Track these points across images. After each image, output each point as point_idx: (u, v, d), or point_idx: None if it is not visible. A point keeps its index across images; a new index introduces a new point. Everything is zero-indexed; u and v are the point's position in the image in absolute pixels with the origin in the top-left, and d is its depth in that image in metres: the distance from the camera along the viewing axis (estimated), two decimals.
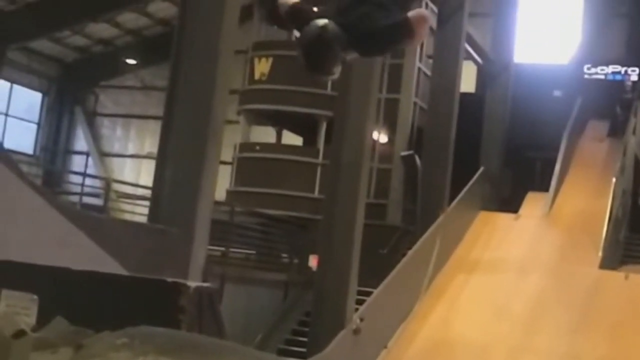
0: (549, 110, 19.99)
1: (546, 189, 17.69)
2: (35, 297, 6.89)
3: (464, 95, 19.14)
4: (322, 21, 4.13)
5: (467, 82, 20.73)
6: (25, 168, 13.34)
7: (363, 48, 4.26)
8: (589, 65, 21.47)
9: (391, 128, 19.71)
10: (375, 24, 4.16)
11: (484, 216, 17.45)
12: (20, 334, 6.04)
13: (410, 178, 18.76)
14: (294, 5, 4.29)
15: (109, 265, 8.79)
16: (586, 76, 21.41)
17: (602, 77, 21.49)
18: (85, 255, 8.60)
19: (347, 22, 4.17)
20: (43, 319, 6.57)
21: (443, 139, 17.75)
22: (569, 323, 12.70)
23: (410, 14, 4.13)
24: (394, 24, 4.14)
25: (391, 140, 19.86)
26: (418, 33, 4.12)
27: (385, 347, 12.49)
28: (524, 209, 17.73)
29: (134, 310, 6.04)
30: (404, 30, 4.14)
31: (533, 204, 17.78)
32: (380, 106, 17.89)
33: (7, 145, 17.25)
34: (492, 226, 17.02)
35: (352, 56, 4.27)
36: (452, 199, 16.88)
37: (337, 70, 4.18)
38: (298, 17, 4.28)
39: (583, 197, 17.40)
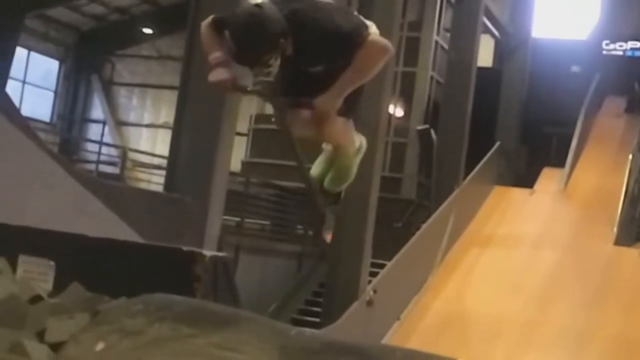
0: (566, 85, 19.88)
1: (562, 165, 17.62)
2: (52, 263, 6.93)
3: (481, 69, 19.03)
4: (255, 5, 3.74)
5: (485, 56, 20.61)
6: (42, 135, 13.39)
7: (303, 46, 3.80)
8: (607, 41, 21.28)
9: (407, 102, 19.66)
10: (325, 26, 3.77)
11: (498, 191, 17.42)
12: (36, 299, 6.09)
13: (425, 152, 18.72)
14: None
15: (125, 233, 8.84)
16: (604, 52, 21.23)
17: (621, 53, 21.30)
18: (101, 223, 8.65)
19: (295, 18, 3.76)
20: (59, 285, 6.62)
21: (459, 113, 17.68)
22: (583, 299, 12.70)
23: (374, 38, 3.81)
24: (347, 34, 3.78)
25: (407, 114, 19.81)
26: (368, 58, 3.77)
27: (398, 319, 12.54)
28: (540, 185, 17.68)
29: (150, 277, 6.07)
30: (354, 47, 3.77)
31: (549, 179, 17.73)
32: (396, 79, 17.82)
33: (24, 112, 17.27)
34: (507, 201, 17.00)
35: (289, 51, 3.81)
36: (467, 173, 16.85)
37: (274, 64, 3.73)
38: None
39: (599, 173, 17.33)
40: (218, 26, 3.92)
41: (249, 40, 3.60)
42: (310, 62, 3.84)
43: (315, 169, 4.53)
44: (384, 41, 3.83)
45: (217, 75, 3.83)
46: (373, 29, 4.04)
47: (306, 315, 13.73)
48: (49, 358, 4.83)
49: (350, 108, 4.16)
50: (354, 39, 3.77)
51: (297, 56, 3.80)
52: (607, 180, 16.84)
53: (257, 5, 3.67)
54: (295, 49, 3.77)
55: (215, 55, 3.87)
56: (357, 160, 4.57)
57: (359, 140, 4.54)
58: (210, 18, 4.01)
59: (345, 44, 3.76)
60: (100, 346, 3.90)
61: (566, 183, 17.12)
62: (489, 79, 19.72)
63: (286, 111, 3.91)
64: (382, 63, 3.84)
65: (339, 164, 4.46)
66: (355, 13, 4.20)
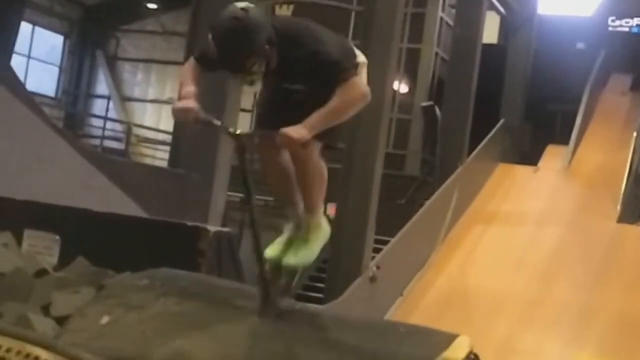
0: (571, 62, 19.79)
1: (566, 142, 17.59)
2: (57, 237, 6.99)
3: (486, 46, 18.95)
4: (244, 3, 3.66)
5: (490, 33, 20.52)
6: (47, 110, 13.39)
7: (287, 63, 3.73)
8: (613, 18, 21.17)
9: (412, 78, 19.62)
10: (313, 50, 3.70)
11: (502, 168, 17.42)
12: (42, 273, 6.15)
13: (429, 129, 18.71)
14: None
15: (130, 208, 8.88)
16: (610, 29, 21.12)
17: (627, 29, 21.19)
18: (106, 198, 8.70)
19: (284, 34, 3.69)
20: (65, 259, 6.68)
21: (464, 90, 17.64)
22: (585, 276, 12.72)
23: (356, 81, 3.75)
24: (333, 63, 3.72)
25: (411, 90, 19.77)
26: (345, 100, 3.68)
27: (401, 295, 12.58)
28: (544, 162, 17.67)
29: (154, 252, 6.13)
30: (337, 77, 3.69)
31: (553, 157, 17.72)
32: (401, 56, 17.78)
33: (29, 87, 17.28)
34: (511, 179, 17.00)
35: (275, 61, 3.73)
36: (471, 150, 16.85)
37: (259, 71, 3.65)
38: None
39: (603, 151, 17.30)
40: (201, 63, 3.96)
41: (232, 43, 3.53)
42: (292, 79, 3.79)
43: (272, 251, 4.25)
44: (364, 88, 3.79)
45: (182, 104, 3.79)
46: (362, 58, 4.08)
47: (310, 291, 13.78)
48: (54, 331, 4.89)
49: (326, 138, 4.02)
50: (338, 72, 3.71)
51: (280, 71, 3.76)
52: (612, 158, 16.83)
53: (243, 9, 3.58)
54: (280, 64, 3.72)
55: (187, 89, 3.88)
56: (319, 241, 4.29)
57: (325, 223, 4.33)
58: (192, 58, 4.04)
59: (328, 72, 3.69)
60: (105, 319, 3.95)
61: (570, 160, 17.11)
62: (494, 55, 19.65)
63: (247, 144, 3.80)
64: (356, 108, 3.76)
65: (299, 240, 4.22)
66: (350, 45, 4.15)
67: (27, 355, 2.66)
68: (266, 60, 3.64)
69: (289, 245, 4.23)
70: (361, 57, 4.11)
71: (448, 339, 4.06)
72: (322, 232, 4.25)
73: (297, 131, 3.56)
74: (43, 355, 2.68)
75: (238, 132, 3.80)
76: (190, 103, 3.80)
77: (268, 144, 3.97)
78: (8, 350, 2.66)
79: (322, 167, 4.08)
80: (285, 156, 4.05)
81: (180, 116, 3.82)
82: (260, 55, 3.58)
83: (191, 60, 4.04)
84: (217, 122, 3.82)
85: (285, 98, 3.91)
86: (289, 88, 3.83)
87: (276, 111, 3.96)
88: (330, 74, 3.69)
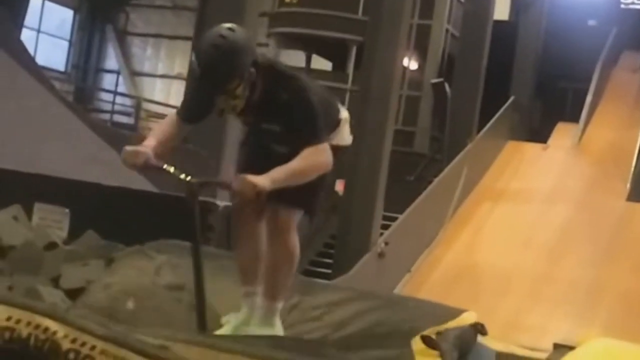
0: (582, 40, 19.67)
1: (576, 120, 17.54)
2: (67, 210, 7.04)
3: (497, 23, 18.87)
4: (225, 28, 3.53)
5: (501, 9, 20.41)
6: (56, 85, 13.43)
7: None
8: None
9: (422, 55, 19.55)
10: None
11: (512, 146, 17.39)
12: (52, 246, 6.19)
13: (439, 106, 18.67)
14: None
15: (139, 183, 8.89)
16: (622, 6, 20.99)
17: (639, 7, 21.07)
18: (115, 172, 8.70)
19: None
20: (74, 233, 6.73)
21: (474, 67, 17.59)
22: (594, 254, 12.74)
23: (324, 147, 3.58)
24: (311, 117, 3.59)
25: (421, 67, 19.72)
26: (309, 163, 3.53)
27: (409, 271, 12.63)
28: (553, 140, 17.63)
29: (163, 226, 6.15)
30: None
31: (562, 134, 17.67)
32: (411, 32, 17.71)
33: (39, 61, 17.28)
34: (520, 156, 16.98)
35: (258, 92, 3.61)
36: (480, 128, 16.82)
37: (242, 94, 3.52)
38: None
39: (614, 129, 17.25)
40: (182, 116, 3.81)
41: (216, 62, 3.43)
42: (270, 119, 3.67)
43: (226, 328, 3.87)
44: (328, 158, 3.63)
45: (134, 147, 3.64)
46: (344, 114, 3.98)
47: (317, 266, 13.84)
48: (64, 303, 4.93)
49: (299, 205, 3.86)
50: (311, 133, 3.58)
51: (261, 108, 3.66)
52: (621, 136, 16.78)
53: (230, 28, 3.51)
54: (262, 100, 3.63)
55: (149, 140, 3.71)
56: (273, 323, 3.86)
57: (279, 323, 3.88)
58: (173, 113, 3.89)
59: (303, 126, 3.59)
60: (131, 305, 3.97)
61: (580, 138, 17.07)
62: (505, 32, 19.55)
63: (198, 194, 3.62)
64: (315, 175, 3.61)
65: (255, 319, 3.85)
66: (335, 102, 4.06)
67: (37, 327, 2.66)
68: (250, 85, 3.53)
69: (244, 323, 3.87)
70: (344, 114, 4.02)
71: (455, 312, 4.11)
72: (272, 331, 3.83)
73: (257, 179, 3.42)
74: (53, 327, 2.68)
75: (189, 179, 3.60)
76: (142, 148, 3.64)
77: (247, 212, 3.81)
78: (18, 321, 2.66)
79: (294, 248, 3.87)
80: (262, 229, 3.86)
81: (129, 158, 3.64)
82: (244, 77, 3.48)
83: (171, 115, 3.88)
84: (169, 168, 3.64)
85: (262, 144, 3.79)
86: (266, 129, 3.70)
87: (254, 159, 3.84)
88: (304, 129, 3.58)
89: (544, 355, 4.97)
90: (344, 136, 4.02)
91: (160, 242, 4.74)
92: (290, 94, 3.60)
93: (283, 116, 3.60)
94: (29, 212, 6.75)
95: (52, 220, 6.81)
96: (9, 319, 2.65)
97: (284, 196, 3.63)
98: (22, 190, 6.90)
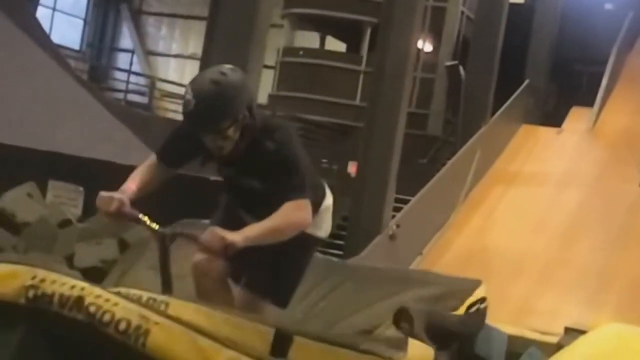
0: (598, 23, 19.55)
1: (591, 104, 17.45)
2: (81, 188, 7.08)
3: (513, 5, 18.78)
4: (227, 67, 3.45)
5: None
6: (71, 63, 13.46)
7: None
8: None
9: (436, 37, 19.48)
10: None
11: (526, 129, 17.33)
12: (66, 223, 6.24)
13: (453, 89, 18.62)
14: None
15: None
16: None
17: None
18: (129, 151, 8.75)
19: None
20: (88, 211, 6.77)
21: (489, 50, 17.52)
22: (605, 239, 12.71)
23: (304, 204, 3.39)
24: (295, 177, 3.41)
25: (436, 49, 19.65)
26: (286, 222, 3.34)
27: (421, 253, 12.64)
28: (567, 124, 17.56)
29: (177, 206, 6.18)
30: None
31: (577, 118, 17.60)
32: (426, 14, 17.64)
33: (54, 39, 17.33)
34: (534, 140, 16.92)
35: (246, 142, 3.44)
36: (494, 111, 16.78)
37: (232, 136, 3.37)
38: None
39: (628, 114, 17.16)
40: (162, 159, 3.67)
41: (211, 100, 3.30)
42: (252, 173, 3.52)
43: None
44: (308, 216, 3.43)
45: (109, 193, 3.50)
46: (329, 201, 3.84)
47: (329, 247, 13.88)
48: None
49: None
50: (293, 188, 3.42)
51: (245, 160, 3.51)
52: (636, 121, 16.69)
53: (231, 68, 3.44)
54: (248, 151, 3.49)
55: (125, 186, 3.58)
56: None
57: None
58: (153, 155, 3.73)
59: (285, 181, 3.43)
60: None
61: (594, 123, 16.99)
62: (521, 15, 19.45)
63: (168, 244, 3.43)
64: (292, 233, 3.41)
65: None
66: (322, 182, 3.94)
67: (63, 284, 2.74)
68: (241, 128, 3.40)
69: None
70: (328, 199, 3.87)
71: (469, 287, 4.16)
72: None
73: (227, 233, 3.21)
74: (77, 284, 2.75)
75: (160, 229, 3.44)
76: (118, 195, 3.50)
77: (212, 268, 3.57)
78: (42, 280, 2.75)
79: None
80: (228, 285, 3.65)
81: (102, 205, 3.47)
82: (238, 118, 3.35)
83: (151, 157, 3.72)
84: (143, 218, 3.47)
85: (238, 190, 3.65)
86: (246, 184, 3.55)
87: (229, 216, 3.70)
88: (287, 181, 3.42)
89: (555, 339, 4.99)
90: (322, 225, 3.81)
91: (177, 224, 4.75)
92: (277, 144, 3.43)
93: (266, 167, 3.43)
94: (43, 190, 6.79)
95: (66, 198, 6.85)
96: (33, 277, 2.73)
97: (257, 284, 3.53)
98: (36, 168, 6.95)
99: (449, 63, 18.94)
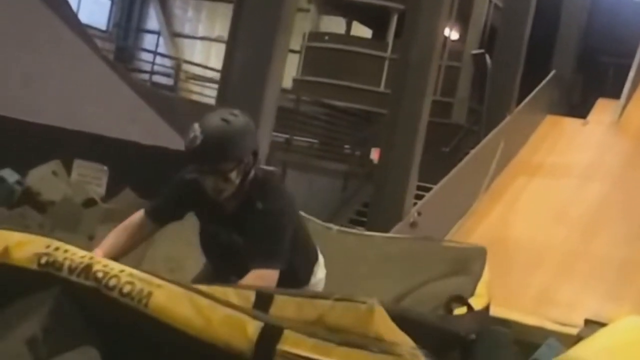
0: (628, 15, 19.39)
1: (617, 96, 17.32)
2: (105, 168, 7.13)
3: None
4: (236, 110, 3.35)
5: None
6: (98, 43, 13.51)
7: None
8: None
9: (463, 25, 19.40)
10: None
11: (550, 120, 17.24)
12: (90, 202, 6.29)
13: (478, 77, 18.54)
14: None
15: (177, 143, 8.98)
16: None
17: None
18: (154, 132, 8.81)
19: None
20: (112, 190, 6.82)
21: (516, 39, 17.43)
22: (627, 232, 12.63)
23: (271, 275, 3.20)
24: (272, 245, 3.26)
25: (462, 37, 19.57)
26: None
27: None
28: (593, 115, 17.44)
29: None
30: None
31: (603, 110, 17.47)
32: (454, 1, 17.57)
33: (82, 19, 17.40)
34: (559, 131, 16.83)
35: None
36: (520, 101, 16.70)
37: (233, 179, 3.28)
38: None
39: None
40: (152, 217, 3.54)
41: (217, 140, 3.20)
42: (234, 224, 3.41)
43: None
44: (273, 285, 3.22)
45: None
46: (320, 274, 3.70)
47: None
48: None
49: None
50: (267, 256, 3.27)
51: (233, 216, 3.41)
52: None
53: (238, 114, 3.33)
54: (240, 199, 3.38)
55: (104, 245, 3.43)
56: None
57: None
58: (142, 211, 3.60)
59: (264, 237, 3.30)
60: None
61: (620, 115, 16.87)
62: (549, 4, 19.31)
63: None
64: None
65: None
66: (317, 256, 3.76)
67: (74, 254, 2.85)
68: (243, 174, 3.31)
69: None
70: (320, 273, 3.73)
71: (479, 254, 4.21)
72: None
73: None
74: (87, 254, 2.86)
75: None
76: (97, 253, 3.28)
77: None
78: (56, 248, 2.86)
79: None
80: None
81: None
82: (240, 162, 3.27)
83: (140, 214, 3.60)
84: None
85: (219, 239, 3.50)
86: (229, 238, 3.44)
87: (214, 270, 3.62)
88: (262, 244, 3.28)
89: (575, 330, 4.98)
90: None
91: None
92: (267, 206, 3.31)
93: (250, 226, 3.31)
94: (68, 168, 6.85)
95: (90, 177, 6.90)
96: (48, 246, 2.86)
97: None
98: (62, 146, 7.00)
99: (475, 51, 18.86)
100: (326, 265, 3.86)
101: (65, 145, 7.00)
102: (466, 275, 4.22)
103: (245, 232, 3.34)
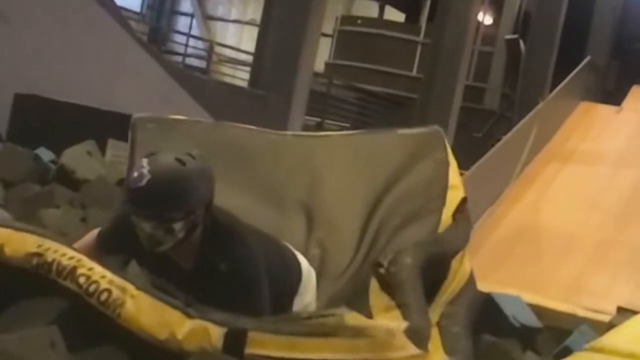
0: None
1: None
2: None
3: None
4: (196, 152, 2.90)
5: None
6: (132, 25, 13.61)
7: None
8: None
9: (497, 10, 19.26)
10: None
11: (584, 107, 17.07)
12: (123, 182, 6.34)
13: (512, 63, 18.41)
14: None
15: None
16: None
17: None
18: (186, 114, 8.84)
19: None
20: None
21: (550, 24, 17.27)
22: None
23: None
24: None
25: (496, 22, 19.43)
26: None
27: (471, 227, 12.57)
28: (628, 103, 17.25)
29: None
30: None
31: (637, 98, 17.29)
32: None
33: (116, 1, 17.49)
34: (592, 118, 16.66)
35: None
36: (553, 87, 16.56)
37: (177, 230, 2.80)
38: None
39: None
40: (100, 244, 3.18)
41: (165, 183, 2.73)
42: (204, 298, 2.84)
43: None
44: None
45: None
46: (308, 298, 3.34)
47: None
48: None
49: None
50: (251, 308, 2.86)
51: (192, 283, 2.95)
52: None
53: (190, 154, 2.85)
54: (194, 269, 2.96)
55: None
56: None
57: None
58: (96, 233, 3.25)
59: (241, 302, 2.90)
60: None
61: None
62: None
63: None
64: None
65: None
66: (300, 272, 3.36)
67: (63, 254, 2.87)
68: (190, 228, 2.83)
69: None
70: (307, 297, 3.35)
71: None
72: None
73: None
74: (75, 255, 2.88)
75: None
76: None
77: None
78: (47, 249, 2.89)
79: None
80: None
81: None
82: (190, 213, 2.79)
83: (93, 234, 3.26)
84: None
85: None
86: (187, 300, 2.93)
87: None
88: (242, 309, 2.78)
89: (607, 318, 4.96)
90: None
91: None
92: (230, 265, 2.87)
93: (221, 294, 2.84)
94: (102, 148, 6.91)
95: (124, 158, 6.94)
96: (39, 246, 2.88)
97: None
98: (96, 127, 7.06)
99: (508, 37, 18.72)
100: (294, 175, 3.83)
101: (100, 126, 7.06)
102: (428, 158, 4.22)
103: (209, 297, 2.81)
